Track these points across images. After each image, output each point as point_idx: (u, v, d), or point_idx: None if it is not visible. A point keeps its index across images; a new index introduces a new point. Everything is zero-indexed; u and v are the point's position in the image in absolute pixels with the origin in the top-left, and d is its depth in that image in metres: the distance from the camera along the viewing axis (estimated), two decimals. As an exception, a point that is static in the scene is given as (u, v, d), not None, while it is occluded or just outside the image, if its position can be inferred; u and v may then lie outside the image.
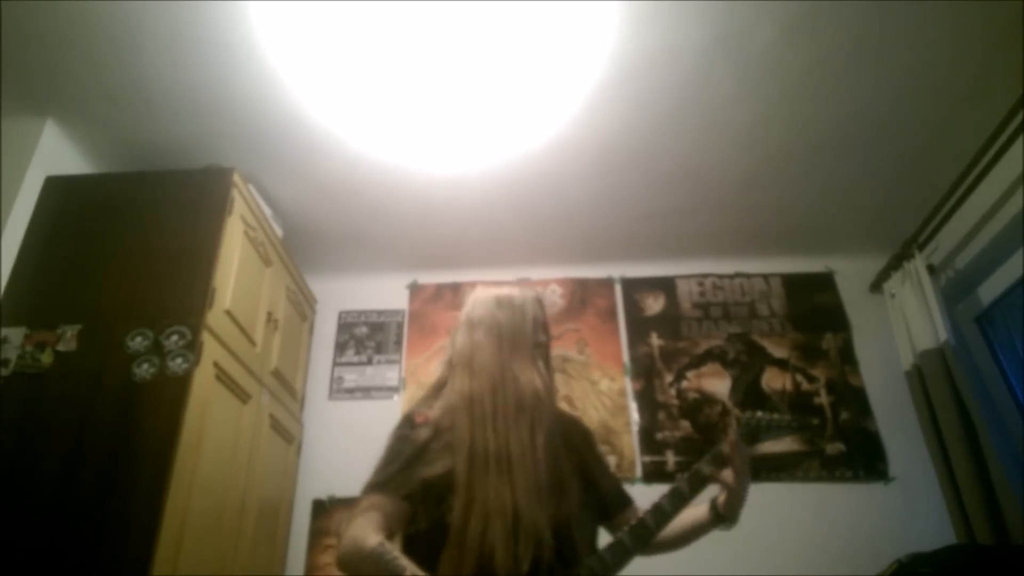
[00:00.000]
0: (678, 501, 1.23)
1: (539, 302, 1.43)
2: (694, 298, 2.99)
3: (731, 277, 3.03)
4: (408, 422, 1.31)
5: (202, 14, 1.85)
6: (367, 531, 1.13)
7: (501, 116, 2.22)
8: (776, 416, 1.33)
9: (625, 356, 2.86)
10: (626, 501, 1.40)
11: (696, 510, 1.30)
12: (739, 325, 2.91)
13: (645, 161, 2.44)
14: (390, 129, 2.26)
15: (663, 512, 1.22)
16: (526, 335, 1.34)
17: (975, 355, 2.63)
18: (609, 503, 1.35)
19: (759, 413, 1.33)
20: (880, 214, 2.75)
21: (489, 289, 1.45)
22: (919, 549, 2.04)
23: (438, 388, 1.36)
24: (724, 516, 1.29)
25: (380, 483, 1.22)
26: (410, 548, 1.14)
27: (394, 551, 1.09)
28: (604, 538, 1.30)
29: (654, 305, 2.98)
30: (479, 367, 1.29)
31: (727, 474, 1.26)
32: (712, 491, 1.32)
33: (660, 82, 2.09)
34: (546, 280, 3.06)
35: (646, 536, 1.20)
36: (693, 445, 2.64)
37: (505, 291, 1.42)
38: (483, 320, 1.35)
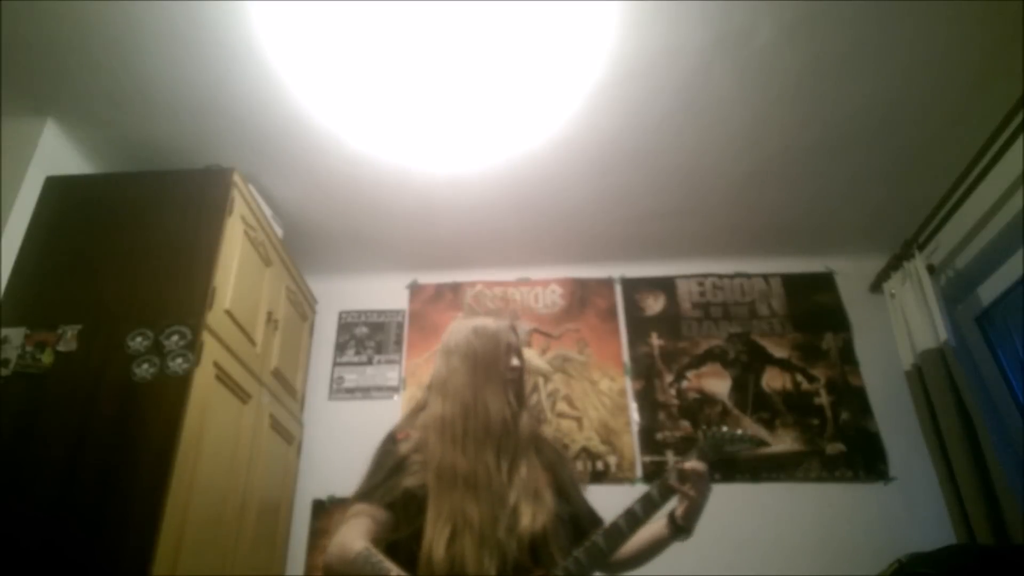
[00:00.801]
0: (649, 506, 1.30)
1: (513, 330, 1.51)
2: (694, 298, 2.99)
3: (731, 277, 3.03)
4: (391, 438, 1.41)
5: (202, 14, 1.85)
6: (353, 536, 1.20)
7: (501, 116, 2.22)
8: (738, 432, 1.41)
9: (625, 356, 2.86)
10: (597, 520, 1.44)
11: (654, 525, 1.35)
12: (739, 325, 2.91)
13: (645, 161, 2.44)
14: (390, 129, 2.26)
15: (635, 516, 1.28)
16: (499, 363, 1.42)
17: (975, 355, 2.63)
18: (581, 520, 1.40)
19: (724, 428, 1.42)
20: (880, 214, 2.75)
21: (467, 320, 1.55)
22: (919, 549, 2.04)
23: (418, 410, 1.45)
24: (682, 527, 1.33)
25: (365, 493, 1.30)
26: (391, 553, 1.19)
27: (380, 555, 1.16)
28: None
29: (654, 305, 2.98)
30: (452, 392, 1.39)
31: (689, 487, 1.32)
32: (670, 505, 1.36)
33: (660, 82, 2.10)
34: (546, 280, 3.06)
35: (619, 538, 1.26)
36: (693, 445, 2.64)
37: (481, 321, 1.51)
38: (459, 347, 1.45)
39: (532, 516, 1.25)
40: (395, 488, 1.27)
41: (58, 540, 1.58)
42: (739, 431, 1.41)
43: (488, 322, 1.50)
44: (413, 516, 1.24)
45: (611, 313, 2.97)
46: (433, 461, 1.29)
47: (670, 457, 2.63)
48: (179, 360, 1.81)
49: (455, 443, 1.30)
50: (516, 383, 1.45)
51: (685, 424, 2.70)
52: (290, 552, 2.48)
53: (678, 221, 2.80)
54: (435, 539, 1.19)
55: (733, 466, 2.59)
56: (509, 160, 2.42)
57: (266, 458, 2.28)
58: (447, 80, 2.07)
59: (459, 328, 1.51)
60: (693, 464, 1.31)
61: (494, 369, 1.41)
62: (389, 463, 1.33)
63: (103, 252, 2.02)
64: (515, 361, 1.46)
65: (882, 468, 2.57)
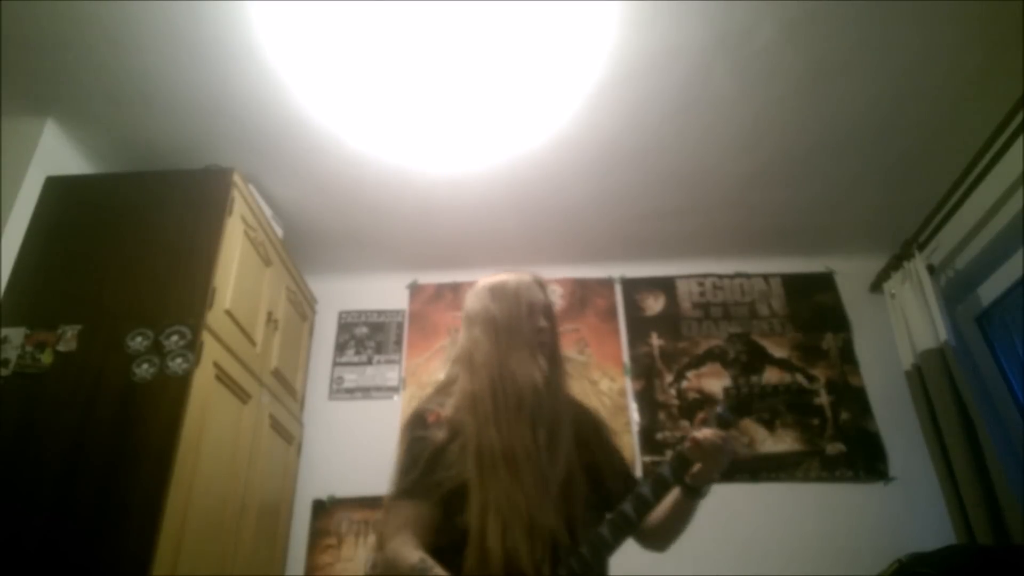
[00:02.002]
0: (660, 488, 1.20)
1: (537, 284, 1.38)
2: (694, 298, 2.99)
3: (731, 277, 3.03)
4: (421, 422, 1.28)
5: (202, 14, 1.85)
6: (408, 547, 1.12)
7: (501, 116, 2.22)
8: (769, 386, 1.27)
9: (625, 356, 2.86)
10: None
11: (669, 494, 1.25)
12: (739, 325, 2.91)
13: (645, 161, 2.44)
14: (390, 129, 2.26)
15: (644, 500, 1.18)
16: (522, 324, 1.30)
17: (975, 355, 2.63)
18: (613, 501, 1.31)
19: (752, 378, 1.29)
20: (880, 214, 2.75)
21: (487, 279, 1.40)
22: (919, 549, 2.05)
23: (447, 385, 1.33)
24: (693, 487, 1.23)
25: (407, 490, 1.19)
26: (436, 552, 1.12)
27: (435, 567, 1.08)
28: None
29: (654, 305, 2.98)
30: (478, 365, 1.27)
31: (702, 462, 1.21)
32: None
33: (660, 82, 2.10)
34: (546, 280, 3.05)
35: (627, 527, 1.17)
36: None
37: (500, 278, 1.38)
38: (479, 315, 1.33)
39: (557, 508, 1.15)
40: (438, 482, 1.17)
41: (58, 540, 1.58)
42: (769, 385, 1.27)
43: (508, 280, 1.37)
44: (458, 511, 1.14)
45: (611, 313, 2.97)
46: (471, 445, 1.18)
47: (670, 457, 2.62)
48: (179, 360, 1.81)
49: (488, 421, 1.19)
50: (547, 345, 1.32)
51: (685, 424, 2.69)
52: (290, 552, 2.48)
53: (678, 221, 2.80)
54: (486, 533, 1.09)
55: (732, 465, 2.56)
56: (509, 160, 2.42)
57: (266, 458, 2.28)
58: (447, 80, 2.07)
59: (478, 291, 1.38)
60: (707, 434, 1.19)
61: (518, 333, 1.28)
62: (426, 454, 1.21)
63: (103, 252, 2.02)
64: (542, 322, 1.32)
65: (882, 468, 2.57)
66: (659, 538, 1.31)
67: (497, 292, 1.35)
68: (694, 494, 1.24)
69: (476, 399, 1.23)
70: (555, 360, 1.33)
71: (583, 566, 1.12)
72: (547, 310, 1.36)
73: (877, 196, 2.65)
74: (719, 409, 1.25)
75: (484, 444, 1.17)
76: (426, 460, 1.20)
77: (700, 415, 1.29)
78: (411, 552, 1.11)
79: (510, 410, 1.20)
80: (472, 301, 1.37)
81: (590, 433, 1.35)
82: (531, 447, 1.17)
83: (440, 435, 1.22)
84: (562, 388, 1.33)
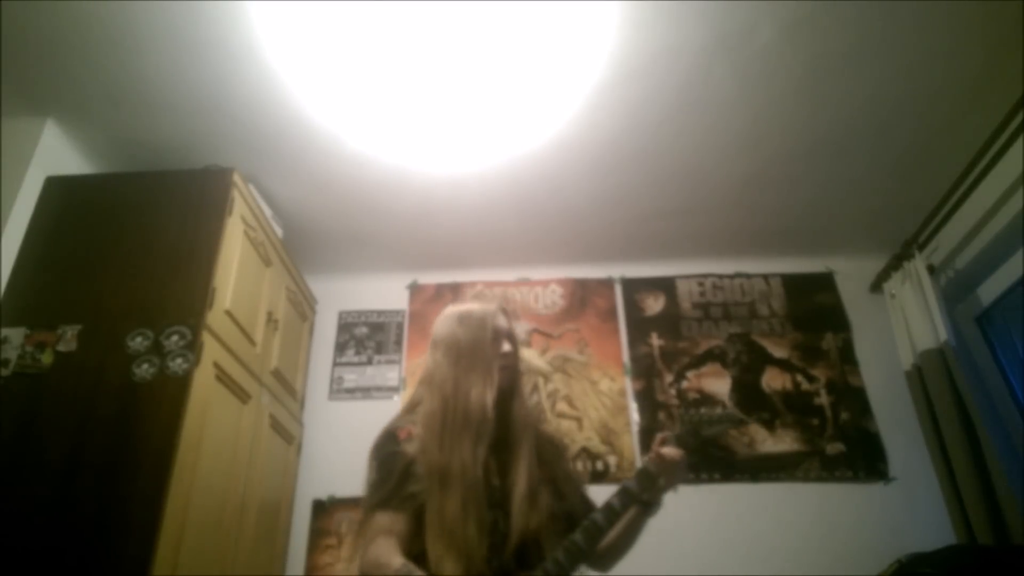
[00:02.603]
0: (627, 499, 1.26)
1: (503, 313, 1.45)
2: (694, 298, 2.99)
3: (731, 277, 3.03)
4: (393, 439, 1.33)
5: (202, 14, 1.85)
6: (390, 553, 1.15)
7: (501, 116, 2.22)
8: (716, 412, 1.37)
9: (625, 356, 2.86)
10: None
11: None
12: (739, 325, 2.91)
13: (645, 161, 2.44)
14: (390, 129, 2.26)
15: (613, 510, 1.25)
16: (485, 348, 1.36)
17: (975, 355, 2.63)
18: (576, 517, 1.36)
19: (701, 410, 1.40)
20: (880, 214, 2.75)
21: (455, 306, 1.49)
22: (919, 549, 2.05)
23: (414, 405, 1.40)
24: (648, 502, 1.32)
25: (383, 501, 1.23)
26: (413, 560, 1.16)
27: (416, 570, 1.13)
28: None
29: (654, 305, 2.98)
30: (435, 386, 1.34)
31: (666, 476, 1.30)
32: None
33: (660, 82, 2.09)
34: (546, 280, 3.06)
35: (597, 534, 1.23)
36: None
37: (467, 307, 1.46)
38: (444, 339, 1.40)
39: (525, 516, 1.23)
40: (411, 494, 1.22)
41: (58, 541, 1.58)
42: (717, 410, 1.40)
43: (475, 308, 1.44)
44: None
45: (611, 313, 2.97)
46: (424, 463, 1.25)
47: (670, 457, 2.62)
48: (179, 360, 1.81)
49: (433, 439, 1.26)
50: (508, 369, 1.38)
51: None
52: (290, 552, 2.48)
53: (678, 221, 2.80)
54: (432, 545, 1.16)
55: (732, 466, 2.59)
56: (509, 160, 2.42)
57: (266, 458, 2.28)
58: (447, 80, 2.07)
59: (446, 317, 1.46)
60: (671, 451, 1.28)
61: (479, 357, 1.35)
62: (399, 467, 1.26)
63: (103, 252, 2.02)
64: (505, 346, 1.39)
65: (882, 468, 2.57)
66: (609, 557, 1.37)
67: (464, 318, 1.42)
68: (649, 509, 1.33)
69: (431, 417, 1.30)
70: (514, 385, 1.40)
71: (558, 568, 1.18)
72: (510, 336, 1.42)
73: (877, 196, 2.65)
74: (680, 431, 1.35)
75: (432, 462, 1.24)
76: (399, 473, 1.25)
77: (660, 435, 1.36)
78: (394, 556, 1.15)
79: (456, 428, 1.26)
80: (439, 326, 1.45)
81: (551, 455, 1.42)
82: (468, 464, 1.23)
83: (411, 448, 1.28)
84: (519, 411, 1.38)
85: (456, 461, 1.23)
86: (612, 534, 1.31)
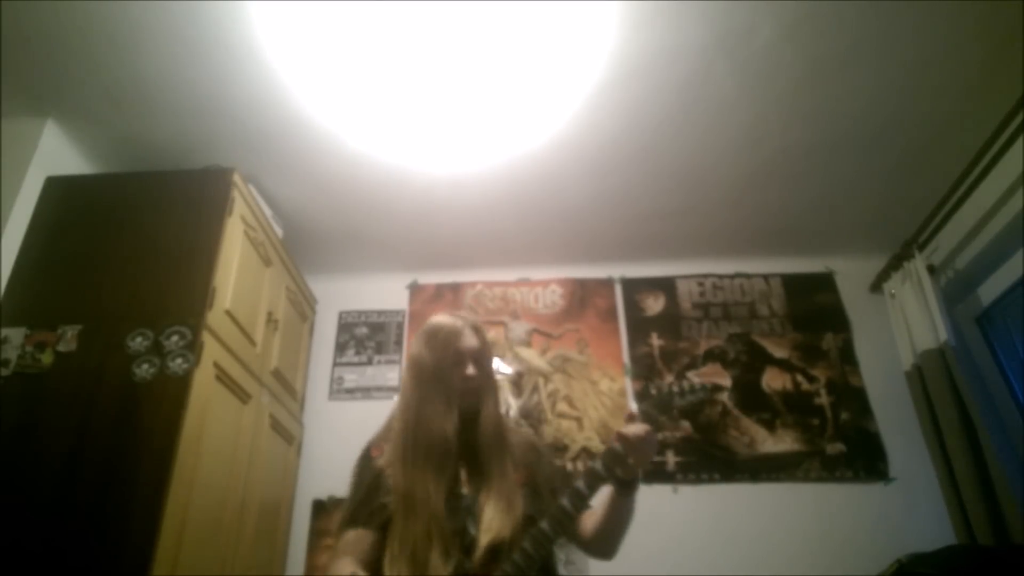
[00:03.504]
0: (593, 480, 1.22)
1: (472, 329, 1.40)
2: (694, 298, 2.99)
3: (731, 277, 3.03)
4: (366, 455, 1.38)
5: (202, 14, 1.85)
6: (344, 566, 1.21)
7: (501, 116, 2.22)
8: (686, 384, 1.29)
9: (625, 356, 2.86)
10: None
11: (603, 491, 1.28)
12: (739, 325, 2.91)
13: (645, 161, 2.44)
14: (390, 129, 2.26)
15: (579, 493, 1.21)
16: (444, 373, 1.33)
17: (975, 355, 2.63)
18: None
19: (670, 383, 1.31)
20: (880, 214, 2.75)
21: (433, 318, 1.46)
22: (919, 549, 2.04)
23: (390, 424, 1.42)
24: (624, 480, 1.26)
25: (351, 517, 1.28)
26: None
27: (362, 572, 1.19)
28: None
29: (654, 305, 2.98)
30: (402, 409, 1.36)
31: (633, 453, 1.23)
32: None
33: (660, 82, 2.10)
34: (546, 280, 3.06)
35: (565, 519, 1.20)
36: (693, 445, 2.64)
37: (435, 323, 1.42)
38: (413, 360, 1.40)
39: (499, 524, 1.21)
40: (380, 507, 1.26)
41: (58, 540, 1.58)
42: (687, 383, 1.30)
43: (444, 325, 1.40)
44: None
45: (611, 313, 2.96)
46: (392, 480, 1.28)
47: (670, 457, 2.63)
48: (179, 360, 1.81)
49: (399, 463, 1.28)
50: (471, 393, 1.35)
51: (685, 424, 2.69)
52: (290, 552, 2.49)
53: (678, 221, 2.80)
54: (394, 563, 1.19)
55: (732, 466, 2.59)
56: (509, 160, 2.42)
57: (266, 458, 2.28)
58: (447, 80, 2.07)
59: (419, 334, 1.43)
60: (634, 429, 1.22)
61: (439, 382, 1.33)
62: (367, 479, 1.31)
63: (103, 252, 2.02)
64: (469, 369, 1.35)
65: (882, 468, 2.57)
66: (603, 542, 1.34)
67: (430, 338, 1.39)
68: (626, 488, 1.27)
69: (396, 440, 1.32)
70: (480, 402, 1.36)
71: (526, 559, 1.16)
72: (478, 356, 1.38)
73: (877, 196, 2.65)
74: (643, 406, 1.29)
75: (396, 484, 1.26)
76: (367, 485, 1.29)
77: (626, 413, 1.30)
78: (345, 567, 1.20)
79: (418, 457, 1.27)
80: (413, 343, 1.44)
81: (529, 458, 1.40)
82: (431, 495, 1.23)
83: (381, 463, 1.32)
84: (490, 419, 1.36)
85: (419, 490, 1.23)
86: (597, 518, 1.30)
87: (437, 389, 1.32)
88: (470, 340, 1.38)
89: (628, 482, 1.26)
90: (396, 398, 1.45)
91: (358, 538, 1.25)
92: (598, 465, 1.22)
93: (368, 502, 1.28)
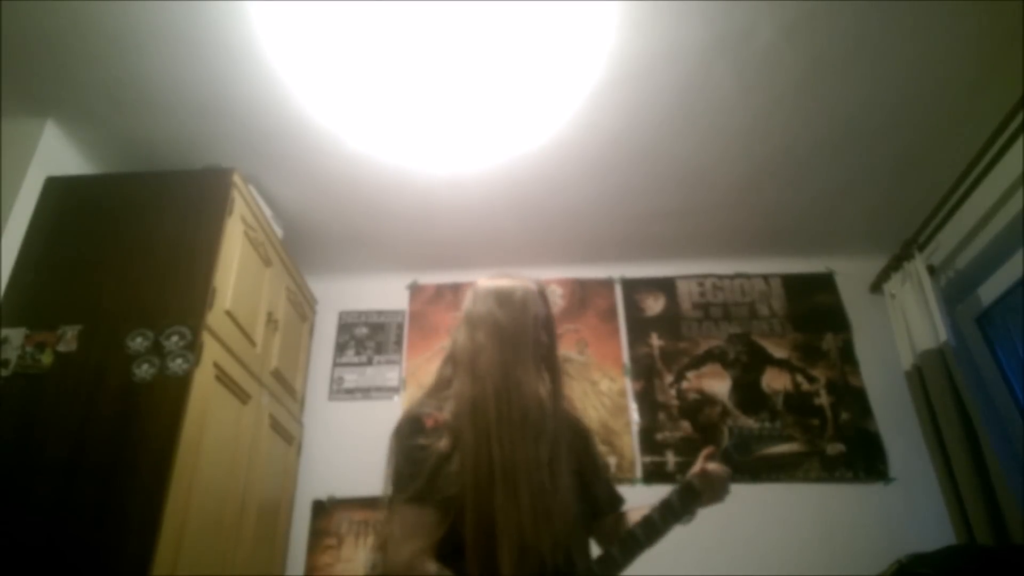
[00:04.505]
0: (668, 515, 1.20)
1: (541, 296, 1.35)
2: (694, 298, 2.99)
3: (731, 277, 3.03)
4: (419, 427, 1.21)
5: (202, 14, 1.85)
6: (423, 559, 1.09)
7: (501, 116, 2.22)
8: (766, 427, 1.31)
9: (625, 356, 2.86)
10: (616, 504, 1.37)
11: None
12: (739, 325, 2.91)
13: (645, 161, 2.44)
14: (390, 129, 2.26)
15: (654, 526, 1.19)
16: (527, 336, 1.25)
17: (975, 355, 2.63)
18: (600, 506, 1.33)
19: (751, 423, 1.33)
20: (880, 214, 2.75)
21: (490, 282, 1.35)
22: (919, 549, 2.04)
23: (441, 387, 1.29)
24: (691, 514, 1.24)
25: (414, 496, 1.13)
26: (441, 557, 1.11)
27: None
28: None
29: (654, 305, 2.98)
30: (482, 372, 1.21)
31: (709, 493, 1.24)
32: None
33: (660, 82, 2.10)
34: (546, 280, 3.03)
35: (636, 550, 1.18)
36: (693, 445, 2.64)
37: (506, 285, 1.33)
38: (483, 319, 1.27)
39: (564, 512, 1.15)
40: (442, 488, 1.12)
41: (58, 540, 1.58)
42: (767, 425, 1.33)
43: (515, 288, 1.31)
44: (459, 518, 1.12)
45: (611, 313, 2.96)
46: (468, 459, 1.13)
47: (670, 457, 2.63)
48: (179, 360, 1.81)
49: (489, 435, 1.14)
50: (548, 360, 1.29)
51: (685, 425, 2.70)
52: (290, 552, 2.48)
53: (678, 221, 2.80)
54: (477, 551, 1.06)
55: (732, 466, 2.58)
56: (509, 160, 2.42)
57: (266, 458, 2.28)
58: (447, 80, 2.07)
59: (481, 295, 1.32)
60: (716, 467, 1.21)
61: (524, 346, 1.24)
62: (430, 463, 1.15)
63: (103, 252, 2.02)
64: (544, 336, 1.29)
65: (882, 468, 2.57)
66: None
67: (504, 299, 1.29)
68: (681, 520, 1.25)
69: (477, 409, 1.18)
70: (555, 375, 1.31)
71: None
72: (548, 323, 1.33)
73: (877, 196, 2.65)
74: (727, 445, 1.29)
75: (482, 459, 1.13)
76: (430, 469, 1.14)
77: (705, 450, 1.30)
78: (428, 563, 1.08)
79: (514, 425, 1.15)
80: (475, 303, 1.32)
81: (581, 442, 1.35)
82: (532, 465, 1.14)
83: (442, 443, 1.17)
84: (562, 403, 1.31)
85: (520, 460, 1.12)
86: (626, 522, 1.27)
87: (521, 353, 1.22)
88: (541, 306, 1.32)
89: (686, 517, 1.24)
90: (448, 366, 1.31)
91: (421, 517, 1.11)
92: (675, 499, 1.21)
93: (431, 488, 1.12)
